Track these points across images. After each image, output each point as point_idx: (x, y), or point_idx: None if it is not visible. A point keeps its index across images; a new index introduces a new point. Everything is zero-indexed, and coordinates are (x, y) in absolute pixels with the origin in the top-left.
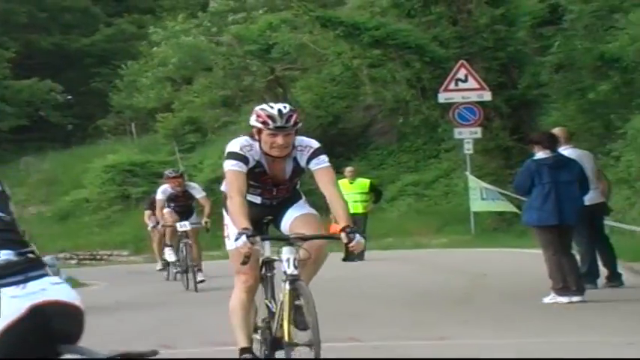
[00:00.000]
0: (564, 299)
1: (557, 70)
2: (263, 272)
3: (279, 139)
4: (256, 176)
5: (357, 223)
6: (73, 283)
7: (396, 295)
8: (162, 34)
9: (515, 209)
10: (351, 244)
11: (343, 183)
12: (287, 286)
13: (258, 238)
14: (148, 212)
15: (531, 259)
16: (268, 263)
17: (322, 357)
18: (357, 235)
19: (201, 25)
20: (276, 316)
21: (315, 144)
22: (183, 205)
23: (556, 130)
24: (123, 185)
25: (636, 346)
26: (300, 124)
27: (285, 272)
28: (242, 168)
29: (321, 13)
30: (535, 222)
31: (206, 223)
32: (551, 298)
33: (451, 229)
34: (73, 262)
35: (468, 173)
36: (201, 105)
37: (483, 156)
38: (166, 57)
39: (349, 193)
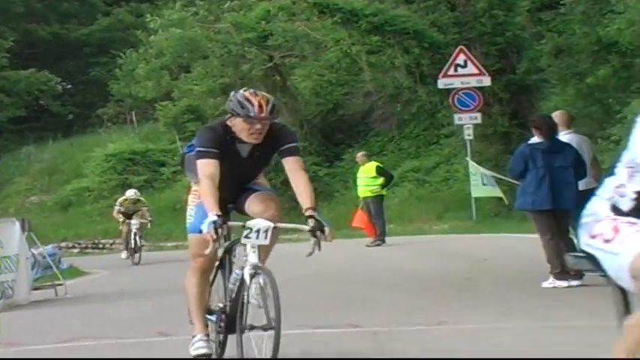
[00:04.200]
0: (563, 283)
1: (555, 54)
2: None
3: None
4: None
5: (368, 206)
6: (75, 271)
7: (396, 280)
8: (159, 23)
9: (501, 194)
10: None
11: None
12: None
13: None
14: None
15: (531, 245)
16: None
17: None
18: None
19: (198, 13)
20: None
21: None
22: None
23: (556, 114)
24: (124, 174)
25: None
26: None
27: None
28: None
29: (318, 0)
30: (529, 206)
31: None
32: (549, 283)
33: (452, 215)
34: (75, 250)
35: (468, 159)
36: (200, 93)
37: (483, 141)
38: (163, 47)
39: (360, 177)
